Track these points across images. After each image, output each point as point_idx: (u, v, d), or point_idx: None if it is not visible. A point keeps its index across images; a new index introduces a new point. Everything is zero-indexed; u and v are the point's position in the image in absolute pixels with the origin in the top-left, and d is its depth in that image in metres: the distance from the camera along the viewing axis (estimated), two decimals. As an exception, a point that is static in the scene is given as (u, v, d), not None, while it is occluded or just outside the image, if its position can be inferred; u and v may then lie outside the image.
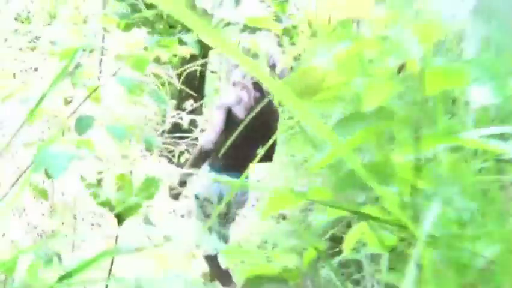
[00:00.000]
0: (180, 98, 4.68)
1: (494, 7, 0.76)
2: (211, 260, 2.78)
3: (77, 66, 1.48)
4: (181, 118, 4.25)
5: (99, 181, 1.48)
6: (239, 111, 2.55)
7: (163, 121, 4.48)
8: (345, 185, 0.66)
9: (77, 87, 1.55)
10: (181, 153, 4.32)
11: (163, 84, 5.08)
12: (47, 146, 1.26)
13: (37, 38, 5.30)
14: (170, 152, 4.40)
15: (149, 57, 1.73)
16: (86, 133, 1.67)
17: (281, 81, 0.77)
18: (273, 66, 2.62)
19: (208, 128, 2.68)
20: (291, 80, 0.77)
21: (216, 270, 2.82)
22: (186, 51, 1.99)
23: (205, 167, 2.73)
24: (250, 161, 2.40)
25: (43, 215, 3.40)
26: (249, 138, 2.34)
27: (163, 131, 4.34)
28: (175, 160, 4.39)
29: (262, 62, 2.57)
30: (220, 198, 2.66)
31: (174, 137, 4.35)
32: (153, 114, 4.29)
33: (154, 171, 4.05)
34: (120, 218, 1.47)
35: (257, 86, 2.57)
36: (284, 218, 4.03)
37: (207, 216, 2.73)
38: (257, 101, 2.59)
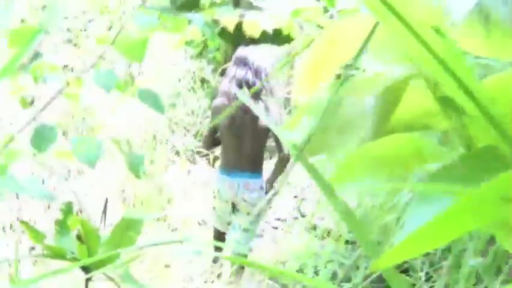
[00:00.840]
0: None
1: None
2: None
3: (35, 55, 1.07)
4: (215, 119, 3.83)
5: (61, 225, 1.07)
6: (225, 118, 2.69)
7: (200, 122, 4.08)
8: None
9: (39, 83, 1.15)
10: (216, 157, 3.89)
11: (202, 81, 4.69)
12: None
13: (69, 30, 5.02)
14: (204, 155, 3.99)
15: (146, 41, 1.30)
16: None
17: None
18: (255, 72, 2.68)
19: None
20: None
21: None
22: (195, 34, 1.58)
23: (216, 171, 2.91)
24: (258, 156, 2.77)
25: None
26: (245, 139, 2.71)
27: (197, 133, 3.94)
28: (210, 165, 3.99)
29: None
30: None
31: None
32: (185, 115, 3.89)
33: (181, 176, 3.65)
34: (87, 270, 1.06)
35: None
36: (329, 233, 3.55)
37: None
38: (240, 107, 2.64)
